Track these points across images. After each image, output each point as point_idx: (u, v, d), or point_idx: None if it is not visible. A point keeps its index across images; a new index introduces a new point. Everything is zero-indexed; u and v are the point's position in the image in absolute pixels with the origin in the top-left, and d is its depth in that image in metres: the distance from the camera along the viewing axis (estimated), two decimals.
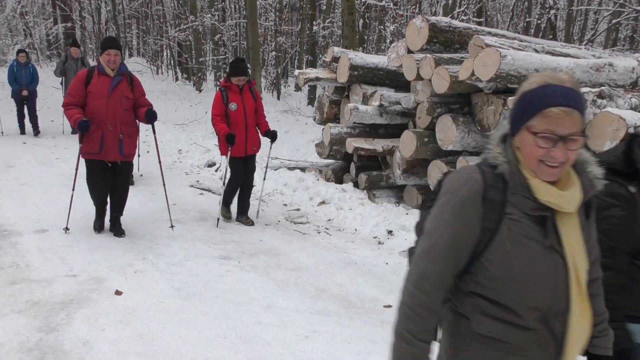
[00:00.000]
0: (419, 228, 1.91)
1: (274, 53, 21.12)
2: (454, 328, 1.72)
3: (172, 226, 5.92)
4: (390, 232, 6.06)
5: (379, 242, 5.96)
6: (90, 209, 6.57)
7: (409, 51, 7.24)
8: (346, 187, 7.68)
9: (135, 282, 4.51)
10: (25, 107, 11.53)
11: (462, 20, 13.23)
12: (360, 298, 4.49)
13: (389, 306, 4.33)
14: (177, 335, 3.66)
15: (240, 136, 6.15)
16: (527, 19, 18.05)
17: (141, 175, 8.27)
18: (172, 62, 26.20)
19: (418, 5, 18.48)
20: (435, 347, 1.73)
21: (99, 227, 5.72)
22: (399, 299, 1.74)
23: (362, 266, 5.23)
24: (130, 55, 29.94)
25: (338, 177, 8.53)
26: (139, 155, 7.72)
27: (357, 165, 8.15)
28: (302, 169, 8.89)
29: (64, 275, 4.58)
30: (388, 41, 17.91)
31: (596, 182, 1.65)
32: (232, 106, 6.15)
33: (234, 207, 6.50)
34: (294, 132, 13.63)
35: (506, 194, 1.59)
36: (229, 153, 6.20)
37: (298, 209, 7.10)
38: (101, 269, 4.73)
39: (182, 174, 9.05)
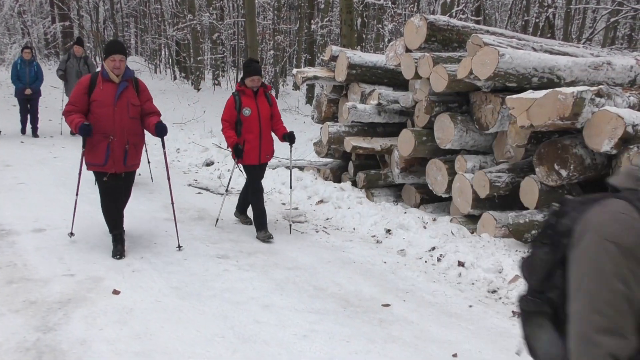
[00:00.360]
0: (530, 266, 1.59)
1: (272, 52, 21.09)
2: None
3: (179, 246, 5.35)
4: (388, 231, 6.05)
5: (377, 241, 5.95)
6: (89, 208, 6.56)
7: (407, 50, 7.24)
8: (344, 186, 7.68)
9: (133, 282, 4.50)
10: (28, 106, 11.35)
11: (461, 19, 13.23)
12: (359, 297, 4.48)
13: (387, 305, 4.33)
14: (174, 335, 3.65)
15: (254, 142, 5.81)
16: (526, 18, 18.05)
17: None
18: (170, 61, 26.15)
19: (416, 3, 18.47)
20: None
21: (119, 254, 5.04)
22: None
23: (361, 265, 5.23)
24: (128, 55, 29.88)
25: (336, 176, 8.52)
26: (148, 162, 7.75)
27: (355, 164, 8.15)
28: (301, 168, 8.88)
29: (62, 274, 4.56)
30: (386, 40, 17.92)
31: None
32: (246, 111, 5.78)
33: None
34: (292, 130, 13.61)
35: None
36: (238, 165, 5.94)
37: (296, 208, 7.09)
38: (99, 269, 4.72)
39: (180, 173, 9.04)
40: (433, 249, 5.48)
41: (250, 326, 3.84)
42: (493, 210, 5.81)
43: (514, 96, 5.29)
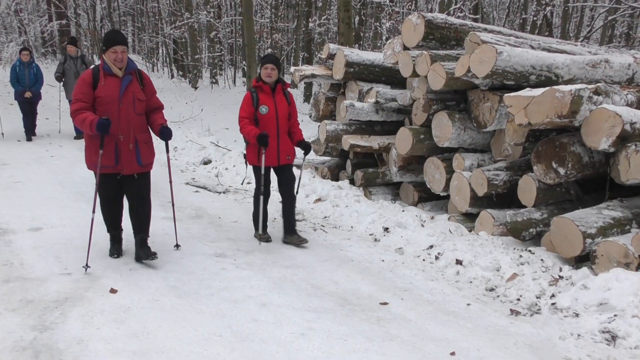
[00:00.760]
0: None
1: (269, 50, 21.07)
2: None
3: (177, 245, 5.29)
4: (386, 229, 6.04)
5: (375, 239, 5.94)
6: (86, 207, 6.55)
7: (405, 48, 7.23)
8: (342, 184, 7.67)
9: (131, 280, 4.48)
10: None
11: (458, 17, 13.23)
12: (357, 295, 4.48)
13: (385, 303, 4.32)
14: (172, 334, 3.64)
15: (272, 143, 5.43)
16: (523, 16, 18.06)
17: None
18: (167, 59, 26.12)
19: (414, 1, 18.46)
20: None
21: (117, 253, 4.98)
22: None
23: (358, 263, 5.22)
24: None
25: (334, 174, 8.52)
26: None
27: (353, 163, 8.14)
28: (298, 166, 8.87)
29: (59, 273, 4.55)
30: (384, 38, 17.91)
31: None
32: (263, 109, 5.43)
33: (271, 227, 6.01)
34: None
35: None
36: (262, 159, 5.43)
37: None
38: (96, 267, 4.70)
39: (178, 171, 9.03)
40: (431, 247, 5.48)
41: (248, 325, 3.84)
42: (491, 209, 5.81)
43: (512, 94, 5.29)
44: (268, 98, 5.49)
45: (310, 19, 20.29)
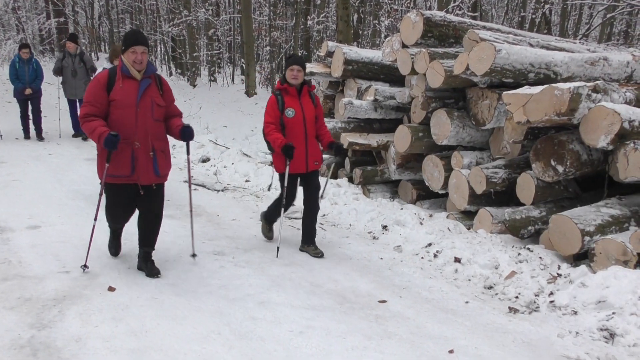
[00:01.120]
0: None
1: (268, 48, 21.06)
2: None
3: (193, 255, 5.01)
4: (384, 227, 6.04)
5: (374, 237, 5.94)
6: (84, 205, 6.54)
7: (404, 45, 7.22)
8: (341, 182, 7.66)
9: (129, 278, 4.48)
10: (30, 107, 10.75)
11: (457, 15, 13.21)
12: (355, 293, 4.48)
13: (384, 301, 4.32)
14: (170, 332, 3.64)
15: (300, 148, 5.13)
16: (522, 14, 18.05)
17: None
18: (165, 57, 26.08)
19: None
20: None
21: (115, 250, 4.87)
22: None
23: (357, 261, 5.22)
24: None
25: (332, 172, 8.51)
26: None
27: (351, 160, 8.14)
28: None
29: (57, 271, 4.54)
30: (383, 35, 17.90)
31: None
32: (289, 113, 5.14)
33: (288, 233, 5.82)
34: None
35: None
36: (287, 169, 5.18)
37: (293, 204, 7.06)
38: (94, 265, 4.69)
39: (176, 169, 9.00)
40: (429, 245, 5.48)
41: (247, 323, 3.83)
42: (489, 206, 5.81)
43: (511, 92, 5.28)
44: (294, 101, 5.19)
45: (308, 17, 20.27)
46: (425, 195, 7.15)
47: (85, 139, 10.98)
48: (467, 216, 6.15)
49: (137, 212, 4.69)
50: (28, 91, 10.55)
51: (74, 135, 11.22)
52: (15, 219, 5.86)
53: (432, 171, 6.60)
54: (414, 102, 6.96)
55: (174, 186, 7.54)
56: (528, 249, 5.08)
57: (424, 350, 3.59)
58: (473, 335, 3.83)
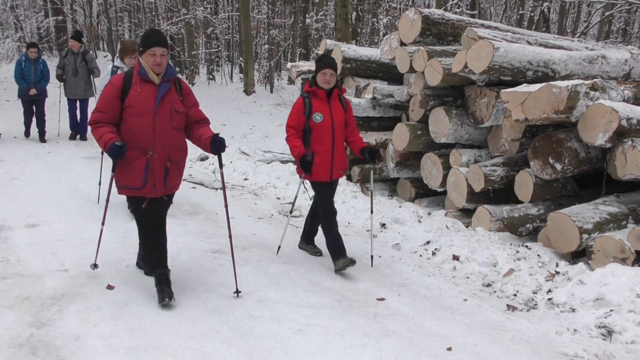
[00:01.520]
0: None
1: (266, 46, 21.03)
2: None
3: (237, 291, 4.26)
4: (383, 225, 6.05)
5: (372, 235, 5.94)
6: (82, 203, 6.54)
7: (402, 44, 7.22)
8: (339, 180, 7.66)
9: (127, 277, 4.48)
10: (34, 107, 10.41)
11: (456, 13, 13.22)
12: (354, 291, 4.48)
13: (382, 299, 4.33)
14: (169, 330, 3.64)
15: (325, 155, 4.83)
16: (521, 12, 18.05)
17: None
18: None
19: None
20: None
21: (169, 297, 3.99)
22: None
23: (356, 259, 5.21)
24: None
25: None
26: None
27: (350, 158, 8.12)
28: (295, 163, 8.86)
29: (55, 270, 4.54)
30: (381, 34, 17.90)
31: None
32: (317, 117, 4.80)
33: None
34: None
35: None
36: (301, 182, 5.06)
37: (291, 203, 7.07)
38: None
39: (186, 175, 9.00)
40: (428, 243, 5.49)
41: (245, 321, 3.84)
42: (488, 204, 5.81)
43: (509, 90, 5.29)
44: (323, 105, 4.85)
45: (307, 15, 20.26)
46: (423, 193, 7.16)
47: (74, 137, 10.84)
48: (466, 214, 6.16)
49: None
50: (32, 92, 10.16)
51: (72, 137, 10.88)
52: (14, 217, 5.86)
53: (430, 169, 6.60)
54: (412, 100, 6.96)
55: None
56: (526, 246, 5.09)
57: (422, 347, 3.60)
58: (471, 333, 3.84)
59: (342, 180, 7.64)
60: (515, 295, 4.47)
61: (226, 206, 4.40)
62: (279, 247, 5.25)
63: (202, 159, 9.54)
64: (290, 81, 20.46)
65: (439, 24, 7.08)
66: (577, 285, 4.28)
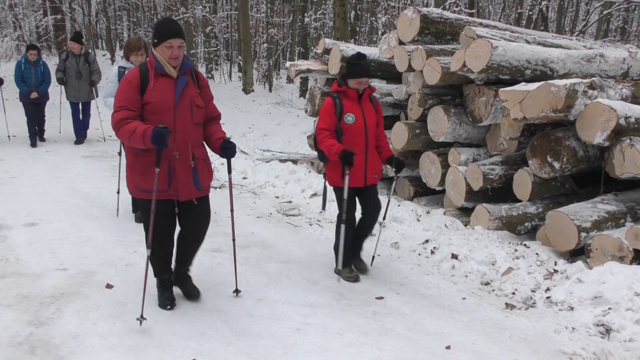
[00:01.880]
0: None
1: (265, 45, 21.03)
2: None
3: (237, 290, 4.26)
4: (381, 223, 6.05)
5: (371, 234, 5.94)
6: (81, 202, 6.54)
7: (401, 42, 7.23)
8: None
9: (126, 276, 4.48)
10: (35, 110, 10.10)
11: (454, 12, 13.22)
12: (352, 290, 4.49)
13: (381, 298, 4.33)
14: (168, 329, 3.64)
15: (359, 158, 4.47)
16: (519, 10, 18.05)
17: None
18: None
19: None
20: None
21: (170, 304, 3.94)
22: None
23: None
24: (121, 48, 29.77)
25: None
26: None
27: None
28: (294, 161, 8.87)
29: (54, 269, 4.54)
30: (380, 32, 17.90)
31: None
32: (349, 118, 4.50)
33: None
34: (285, 124, 13.60)
35: None
36: (346, 180, 4.46)
37: (290, 201, 7.08)
38: (92, 263, 4.70)
39: None
40: (426, 241, 5.49)
41: (244, 319, 3.84)
42: (486, 203, 5.82)
43: (507, 89, 5.29)
44: (354, 105, 4.56)
45: (306, 14, 20.25)
46: (422, 191, 7.16)
47: (80, 142, 10.53)
48: (464, 213, 6.16)
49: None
50: (34, 95, 9.90)
51: (77, 142, 10.56)
52: (13, 216, 5.86)
53: (429, 168, 6.60)
54: (411, 99, 6.96)
55: None
56: (525, 245, 5.10)
57: (421, 346, 3.61)
58: (470, 331, 3.84)
59: None
60: (513, 293, 4.47)
61: (232, 210, 4.18)
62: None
63: None
64: (289, 80, 20.47)
65: (437, 23, 7.08)
66: (576, 284, 4.29)
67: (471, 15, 13.98)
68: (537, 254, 4.91)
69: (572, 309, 4.11)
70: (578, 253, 5.00)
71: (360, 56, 4.56)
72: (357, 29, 19.25)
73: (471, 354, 3.54)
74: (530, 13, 16.42)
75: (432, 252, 5.28)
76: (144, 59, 5.63)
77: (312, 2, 21.91)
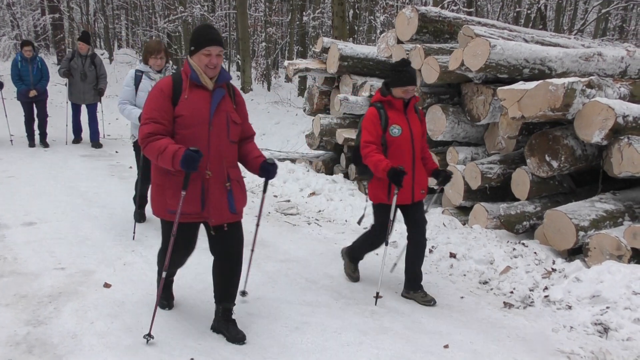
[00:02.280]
0: None
1: (264, 44, 21.03)
2: None
3: (244, 292, 4.21)
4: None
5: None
6: (79, 202, 6.53)
7: (399, 41, 7.23)
8: (336, 178, 7.67)
9: (124, 275, 4.48)
10: (34, 110, 9.87)
11: (452, 10, 13.21)
12: (351, 289, 4.49)
13: (379, 297, 4.33)
14: (166, 328, 3.64)
15: (406, 174, 4.06)
16: (517, 9, 18.05)
17: (130, 167, 8.21)
18: None
19: None
20: None
21: (167, 303, 3.91)
22: None
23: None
24: (120, 47, 29.74)
25: (328, 168, 8.52)
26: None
27: (347, 156, 8.14)
28: (293, 160, 8.86)
29: (52, 268, 4.53)
30: (378, 31, 17.89)
31: None
32: (395, 130, 4.17)
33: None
34: (284, 123, 13.60)
35: None
36: (394, 201, 4.17)
37: (288, 200, 7.08)
38: (90, 262, 4.69)
39: None
40: None
41: (242, 318, 3.83)
42: (484, 202, 5.82)
43: (505, 87, 5.29)
44: (400, 116, 4.24)
45: (304, 13, 20.24)
46: None
47: (77, 141, 10.44)
48: (463, 212, 6.16)
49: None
50: (32, 93, 9.62)
51: (74, 141, 10.47)
52: (11, 215, 5.85)
53: None
54: None
55: None
56: (523, 244, 5.10)
57: (419, 345, 3.61)
58: (468, 330, 3.85)
59: (339, 178, 7.64)
60: (511, 292, 4.48)
61: (257, 225, 4.05)
62: (377, 294, 4.29)
63: None
64: (288, 79, 20.45)
65: (435, 22, 7.09)
66: (574, 283, 4.30)
67: (469, 14, 13.98)
68: (535, 252, 4.92)
69: (570, 307, 4.12)
70: (576, 252, 5.00)
71: (405, 62, 4.26)
72: (356, 28, 19.24)
73: (469, 353, 3.54)
74: (529, 12, 16.43)
75: (431, 251, 5.28)
76: (163, 63, 5.42)
77: (311, 0, 21.91)
